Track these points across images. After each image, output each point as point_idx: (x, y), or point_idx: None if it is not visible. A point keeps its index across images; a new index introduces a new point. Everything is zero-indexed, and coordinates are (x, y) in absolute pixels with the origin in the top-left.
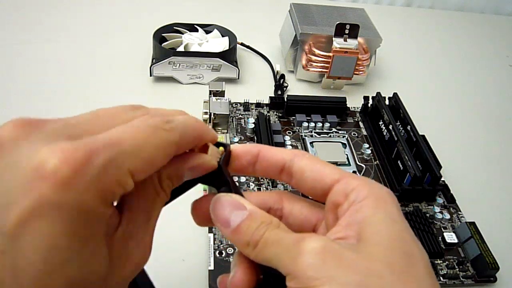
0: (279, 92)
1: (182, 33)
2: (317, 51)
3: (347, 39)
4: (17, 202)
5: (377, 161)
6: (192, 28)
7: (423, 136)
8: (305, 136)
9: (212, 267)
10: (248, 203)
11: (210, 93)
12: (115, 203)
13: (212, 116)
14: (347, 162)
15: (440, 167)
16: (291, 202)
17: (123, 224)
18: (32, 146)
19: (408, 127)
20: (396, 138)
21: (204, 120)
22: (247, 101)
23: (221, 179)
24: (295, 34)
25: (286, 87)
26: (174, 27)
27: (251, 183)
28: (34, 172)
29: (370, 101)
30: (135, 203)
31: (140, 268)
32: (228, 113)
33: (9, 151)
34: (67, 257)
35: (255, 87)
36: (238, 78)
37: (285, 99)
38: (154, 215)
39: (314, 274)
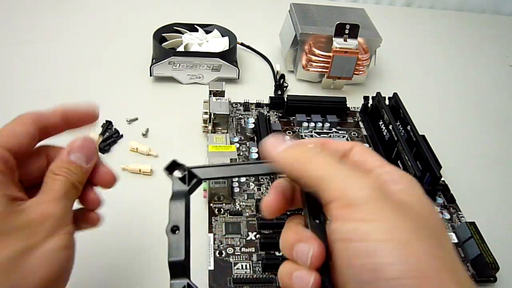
0: (279, 92)
1: (182, 33)
2: (317, 51)
3: (347, 39)
4: None
5: None
6: (192, 28)
7: (423, 136)
8: (305, 136)
9: (212, 267)
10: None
11: (210, 93)
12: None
13: (212, 116)
14: None
15: (440, 167)
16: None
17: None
18: None
19: (408, 127)
20: (396, 138)
21: (204, 120)
22: (247, 101)
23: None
24: (295, 34)
25: (286, 87)
26: (174, 27)
27: (251, 183)
28: None
29: (370, 101)
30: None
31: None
32: (228, 113)
33: None
34: None
35: (255, 87)
36: (238, 78)
37: (285, 99)
38: (54, 190)
39: (372, 208)
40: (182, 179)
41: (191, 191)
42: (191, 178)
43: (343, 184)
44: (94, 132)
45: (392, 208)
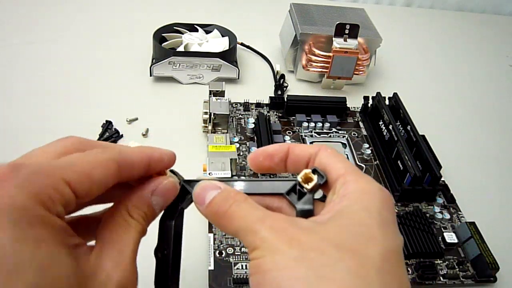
0: (279, 92)
1: (182, 33)
2: (317, 51)
3: (347, 39)
4: None
5: (377, 161)
6: (192, 28)
7: (423, 136)
8: (305, 136)
9: (212, 267)
10: (224, 184)
11: (210, 93)
12: (67, 217)
13: (212, 116)
14: None
15: (440, 167)
16: None
17: (94, 251)
18: None
19: (408, 127)
20: (396, 138)
21: (204, 120)
22: (247, 101)
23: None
24: (295, 34)
25: (286, 87)
26: (174, 27)
27: None
28: None
29: (370, 101)
30: (107, 234)
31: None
32: (228, 113)
33: None
34: (19, 262)
35: (255, 87)
36: (238, 78)
37: (285, 99)
38: (126, 242)
39: (265, 246)
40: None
41: (184, 208)
42: (185, 194)
43: (246, 233)
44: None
45: (286, 244)
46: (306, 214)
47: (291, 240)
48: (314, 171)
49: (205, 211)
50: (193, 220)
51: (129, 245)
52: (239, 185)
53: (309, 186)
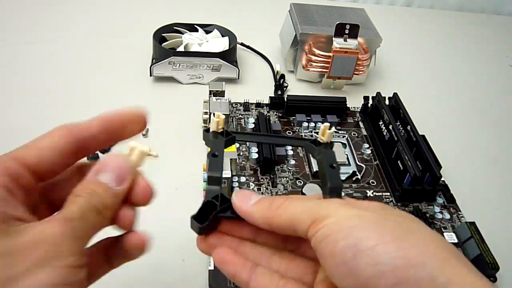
0: (279, 92)
1: (182, 33)
2: (317, 51)
3: (347, 39)
4: None
5: (377, 161)
6: (192, 28)
7: (423, 136)
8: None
9: (212, 267)
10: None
11: (210, 93)
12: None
13: (212, 116)
14: (347, 162)
15: (440, 167)
16: None
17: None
18: None
19: (408, 127)
20: (396, 138)
21: (204, 120)
22: (247, 101)
23: None
24: (295, 34)
25: (286, 87)
26: (174, 27)
27: (251, 183)
28: None
29: (370, 101)
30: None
31: None
32: (228, 113)
33: None
34: None
35: (255, 87)
36: (238, 78)
37: (285, 99)
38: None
39: (342, 212)
40: (220, 134)
41: (225, 144)
42: (227, 135)
43: (311, 212)
44: (138, 143)
45: (356, 208)
46: (329, 160)
47: (361, 207)
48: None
49: (253, 207)
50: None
51: (65, 213)
52: (265, 139)
53: (325, 137)
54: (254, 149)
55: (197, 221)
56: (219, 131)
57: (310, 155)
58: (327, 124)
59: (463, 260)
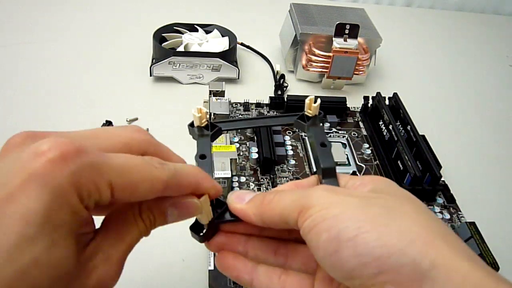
0: (279, 92)
1: (182, 33)
2: (317, 51)
3: (347, 39)
4: (11, 172)
5: (377, 161)
6: (192, 28)
7: (423, 136)
8: (305, 136)
9: (212, 267)
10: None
11: (210, 93)
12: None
13: (212, 116)
14: (347, 162)
15: (440, 167)
16: None
17: (96, 239)
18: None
19: (408, 127)
20: (396, 138)
21: None
22: (247, 101)
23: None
24: (295, 34)
25: (286, 87)
26: (174, 27)
27: (251, 183)
28: (31, 153)
29: (370, 101)
30: (112, 225)
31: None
32: (228, 113)
33: (14, 149)
34: (37, 236)
35: (255, 87)
36: (238, 78)
37: (285, 99)
38: (127, 240)
39: (325, 200)
40: (205, 128)
41: (212, 138)
42: (213, 128)
43: (297, 204)
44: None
45: (341, 194)
46: (315, 125)
47: (346, 192)
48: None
49: (246, 206)
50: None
51: (126, 244)
52: (246, 123)
53: (312, 111)
54: (254, 149)
55: (195, 231)
56: (203, 125)
57: (305, 137)
58: (312, 97)
59: (452, 241)
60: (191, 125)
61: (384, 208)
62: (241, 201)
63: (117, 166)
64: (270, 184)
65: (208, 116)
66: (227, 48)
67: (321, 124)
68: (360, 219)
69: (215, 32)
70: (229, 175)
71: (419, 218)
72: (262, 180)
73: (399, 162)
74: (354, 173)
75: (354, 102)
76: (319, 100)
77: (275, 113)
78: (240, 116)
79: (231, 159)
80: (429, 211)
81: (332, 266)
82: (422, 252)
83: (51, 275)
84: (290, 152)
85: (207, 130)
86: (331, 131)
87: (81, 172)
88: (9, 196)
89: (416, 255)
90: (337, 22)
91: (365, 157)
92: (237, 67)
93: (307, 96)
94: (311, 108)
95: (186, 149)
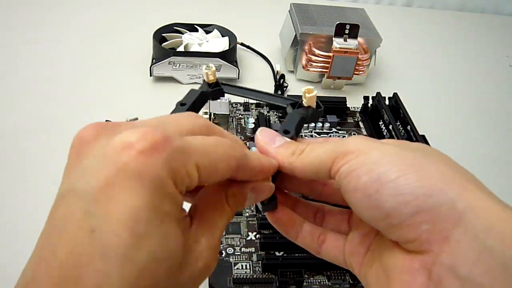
0: (279, 92)
1: (182, 33)
2: (317, 51)
3: (347, 39)
4: (102, 169)
5: None
6: (192, 28)
7: (423, 136)
8: (305, 136)
9: None
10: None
11: None
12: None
13: (212, 116)
14: None
15: None
16: None
17: (193, 227)
18: (113, 136)
19: (408, 127)
20: (396, 138)
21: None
22: (247, 101)
23: None
24: (295, 34)
25: (286, 87)
26: (174, 27)
27: None
28: (117, 146)
29: (370, 101)
30: (205, 212)
31: (208, 273)
32: (228, 113)
33: (92, 144)
34: (149, 230)
35: (255, 87)
36: (238, 78)
37: None
38: (220, 226)
39: (363, 146)
40: (209, 85)
41: (212, 95)
42: (216, 85)
43: (331, 152)
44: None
45: (377, 142)
46: (299, 113)
47: (380, 141)
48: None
49: (276, 150)
50: None
51: (220, 229)
52: (248, 93)
53: (306, 100)
54: (254, 149)
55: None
56: (210, 82)
57: None
58: (310, 88)
59: (482, 187)
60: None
61: (420, 153)
62: (272, 142)
63: (199, 147)
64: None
65: (215, 78)
66: (227, 48)
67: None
68: (400, 162)
69: (215, 32)
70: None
71: (450, 164)
72: None
73: None
74: None
75: (354, 102)
76: (315, 91)
77: (275, 113)
78: (240, 116)
79: None
80: (454, 161)
81: (370, 207)
82: (458, 193)
83: (167, 266)
84: None
85: (208, 87)
86: (331, 131)
87: (172, 159)
88: (108, 196)
89: (452, 196)
90: (337, 22)
91: None
92: (237, 67)
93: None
94: (306, 98)
95: None
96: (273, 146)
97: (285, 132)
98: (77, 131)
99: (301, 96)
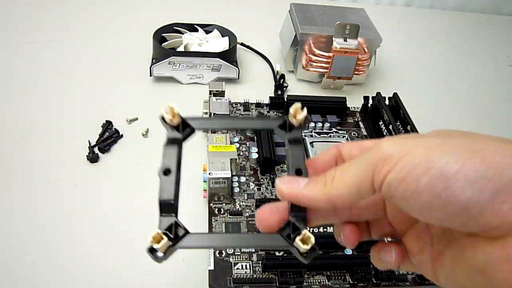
0: (279, 92)
1: (182, 33)
2: (317, 51)
3: (347, 39)
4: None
5: None
6: (192, 28)
7: None
8: (305, 136)
9: (212, 267)
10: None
11: (210, 93)
12: None
13: (212, 116)
14: None
15: None
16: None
17: None
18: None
19: (408, 127)
20: None
21: None
22: (247, 101)
23: None
24: (295, 34)
25: (286, 87)
26: (174, 27)
27: (251, 183)
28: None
29: (370, 101)
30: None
31: None
32: (228, 113)
33: None
34: None
35: (255, 87)
36: (238, 78)
37: (285, 99)
38: None
39: (401, 147)
40: (176, 128)
41: (184, 139)
42: (184, 127)
43: (366, 165)
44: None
45: (411, 138)
46: (296, 143)
47: (411, 136)
48: (303, 107)
49: (305, 188)
50: (192, 222)
51: None
52: (221, 122)
53: (296, 120)
54: (254, 149)
55: (152, 253)
56: (175, 125)
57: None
58: (298, 105)
59: None
60: (163, 119)
61: (461, 137)
62: (297, 185)
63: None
64: (270, 184)
65: (178, 117)
66: (227, 48)
67: (303, 136)
68: (452, 150)
69: (215, 32)
70: (229, 175)
71: (495, 138)
72: (262, 180)
73: None
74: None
75: (354, 102)
76: (305, 110)
77: (275, 113)
78: (240, 115)
79: (231, 159)
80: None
81: (442, 206)
82: None
83: None
84: None
85: (177, 131)
86: (331, 131)
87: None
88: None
89: None
90: (337, 22)
91: None
92: (237, 67)
93: (307, 96)
94: (297, 117)
95: (186, 148)
96: (300, 188)
97: (298, 173)
98: (77, 132)
99: (291, 105)
